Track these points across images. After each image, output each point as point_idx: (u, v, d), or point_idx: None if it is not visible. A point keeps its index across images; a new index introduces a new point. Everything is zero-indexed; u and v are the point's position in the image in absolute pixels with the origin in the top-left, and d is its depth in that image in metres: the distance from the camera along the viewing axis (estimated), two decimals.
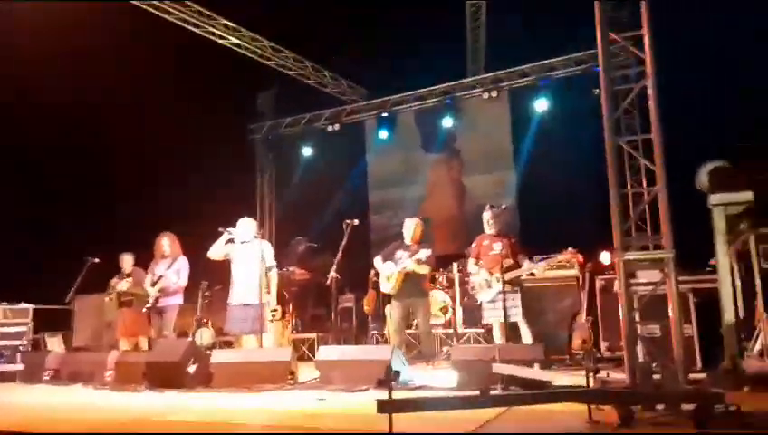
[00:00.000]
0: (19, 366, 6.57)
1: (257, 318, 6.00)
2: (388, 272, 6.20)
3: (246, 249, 6.21)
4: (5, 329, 7.45)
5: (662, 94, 4.12)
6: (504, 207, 6.25)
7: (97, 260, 7.31)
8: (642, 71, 4.30)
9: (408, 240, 6.32)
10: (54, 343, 7.94)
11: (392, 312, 6.31)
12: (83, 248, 7.41)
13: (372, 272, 6.29)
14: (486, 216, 6.06)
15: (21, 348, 7.34)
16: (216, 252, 6.24)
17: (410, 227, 6.35)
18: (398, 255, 6.23)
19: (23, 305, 7.72)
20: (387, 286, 6.22)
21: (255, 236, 6.32)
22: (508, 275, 5.66)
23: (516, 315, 5.72)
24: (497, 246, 5.92)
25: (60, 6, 7.13)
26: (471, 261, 6.14)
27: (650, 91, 3.80)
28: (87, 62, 7.91)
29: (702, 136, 6.40)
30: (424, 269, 6.13)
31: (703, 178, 3.79)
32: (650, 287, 4.22)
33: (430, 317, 6.26)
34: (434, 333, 6.66)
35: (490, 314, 5.89)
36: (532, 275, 6.00)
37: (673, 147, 4.18)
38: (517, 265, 5.80)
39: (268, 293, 6.19)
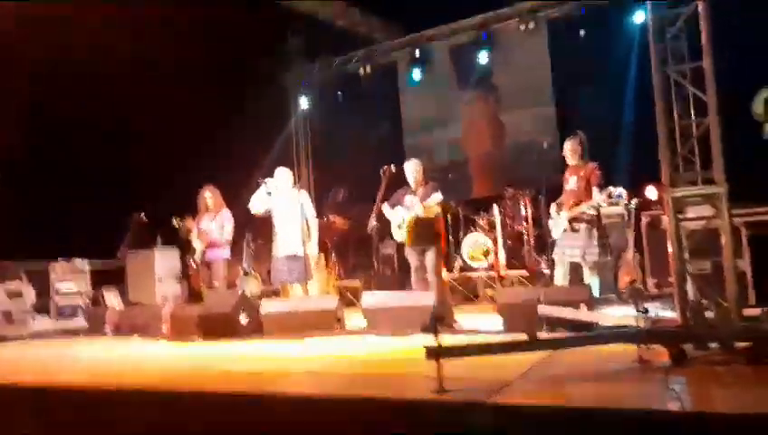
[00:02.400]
0: (82, 322, 6.91)
1: (302, 267, 6.11)
2: (399, 219, 5.92)
3: (286, 201, 6.22)
4: (65, 285, 7.78)
5: (712, 17, 3.86)
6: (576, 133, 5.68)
7: (143, 216, 7.51)
8: None
9: (412, 184, 5.98)
10: (111, 298, 8.29)
11: (410, 259, 5.98)
12: (128, 204, 7.60)
13: (372, 219, 5.98)
14: (566, 146, 5.62)
15: (81, 304, 7.69)
16: (257, 206, 6.24)
17: (412, 171, 5.99)
18: (408, 201, 5.90)
19: (79, 262, 8.00)
20: (399, 235, 5.96)
21: (293, 187, 6.34)
22: (569, 213, 5.40)
23: (575, 256, 5.41)
24: (572, 181, 5.52)
25: None
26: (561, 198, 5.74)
27: (702, 15, 3.55)
28: (118, 18, 7.87)
29: (756, 62, 5.99)
30: (434, 211, 5.81)
31: (758, 105, 3.56)
32: (700, 223, 4.09)
33: (440, 264, 5.85)
34: (445, 281, 6.19)
35: (554, 253, 5.67)
36: (592, 213, 5.47)
37: (724, 74, 3.94)
38: (586, 201, 5.37)
39: (309, 241, 6.26)
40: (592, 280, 5.35)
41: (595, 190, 5.34)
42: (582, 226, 5.41)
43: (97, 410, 3.41)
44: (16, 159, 7.79)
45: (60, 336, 7.00)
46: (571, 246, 5.43)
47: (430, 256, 5.77)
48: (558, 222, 5.55)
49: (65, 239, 7.87)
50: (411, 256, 5.91)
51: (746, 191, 4.52)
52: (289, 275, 6.19)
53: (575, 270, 5.57)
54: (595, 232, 5.42)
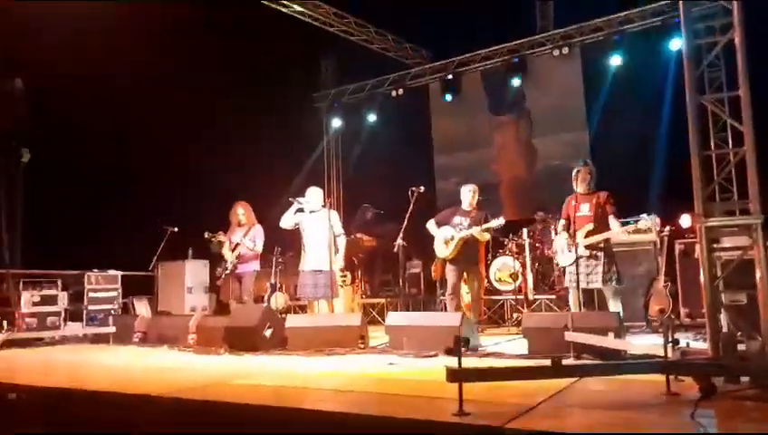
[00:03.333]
0: (111, 329, 7.05)
1: (328, 284, 6.18)
2: (447, 236, 6.33)
3: (316, 218, 6.41)
4: (98, 294, 8.00)
5: (750, 46, 3.80)
6: (586, 162, 5.74)
7: (176, 229, 7.70)
8: (728, 21, 3.97)
9: (466, 206, 6.47)
10: (142, 307, 8.46)
11: (448, 275, 6.42)
12: (161, 218, 7.80)
13: (400, 236, 6.29)
14: (575, 173, 5.62)
15: (112, 312, 7.87)
16: (286, 221, 6.46)
17: (468, 194, 6.50)
18: (457, 220, 6.37)
19: (112, 272, 8.23)
20: (444, 251, 6.37)
21: (323, 205, 6.47)
22: (587, 240, 5.38)
23: (595, 282, 5.39)
24: (585, 208, 5.51)
25: None
26: (561, 222, 5.76)
27: (738, 44, 3.51)
28: (163, 35, 8.13)
29: None
30: (485, 237, 6.36)
31: None
32: (735, 253, 3.99)
33: (483, 285, 6.49)
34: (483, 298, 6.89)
35: (568, 279, 5.64)
36: (607, 240, 5.60)
37: (763, 103, 3.87)
38: (601, 229, 5.40)
39: (337, 259, 6.34)
40: (616, 306, 5.28)
41: (612, 219, 5.39)
42: (601, 253, 5.40)
43: (116, 414, 3.47)
44: (60, 173, 8.09)
45: (89, 342, 7.15)
46: (590, 273, 5.39)
47: (477, 278, 6.44)
48: (570, 248, 5.46)
49: (102, 251, 8.12)
50: (452, 272, 6.36)
51: None
52: (315, 291, 6.27)
53: (591, 296, 5.54)
54: (614, 259, 5.45)
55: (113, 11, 7.31)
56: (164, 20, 7.84)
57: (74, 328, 7.53)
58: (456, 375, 2.86)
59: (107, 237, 8.17)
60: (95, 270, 8.08)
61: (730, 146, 3.90)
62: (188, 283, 8.65)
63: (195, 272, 8.76)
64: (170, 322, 6.92)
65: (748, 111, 3.45)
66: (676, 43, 8.12)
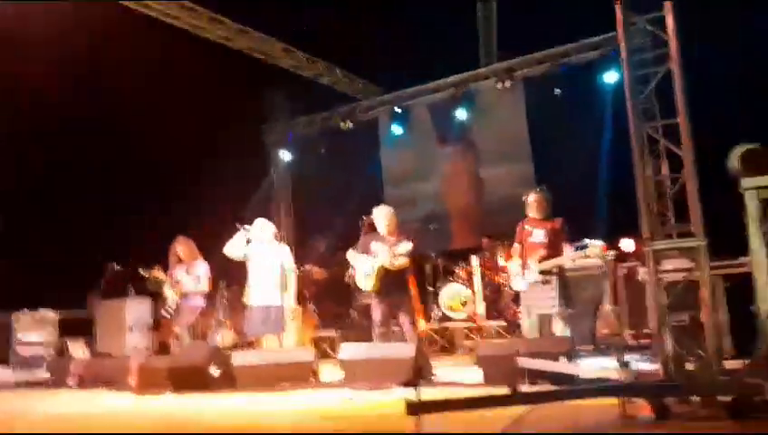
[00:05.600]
0: (45, 373, 6.62)
1: (277, 319, 6.00)
2: (366, 268, 5.65)
3: (265, 252, 6.18)
4: (30, 337, 7.49)
5: (685, 75, 4.01)
6: (540, 189, 5.70)
7: (118, 266, 7.34)
8: (662, 53, 4.18)
9: (382, 231, 5.73)
10: (77, 349, 7.97)
11: (374, 311, 5.69)
12: (99, 254, 7.46)
13: (351, 268, 5.78)
14: (529, 199, 5.59)
15: (46, 355, 7.39)
16: (233, 251, 6.16)
17: (382, 217, 5.75)
18: (374, 247, 5.64)
19: (46, 312, 7.75)
20: (365, 284, 5.68)
21: (274, 239, 6.30)
22: (541, 266, 5.37)
23: (547, 308, 5.38)
24: (539, 234, 5.50)
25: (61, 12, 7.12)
26: (515, 247, 5.71)
27: (676, 75, 3.69)
28: (99, 70, 7.93)
29: (730, 118, 6.21)
30: (401, 262, 5.58)
31: (734, 161, 3.66)
32: (677, 275, 4.12)
33: (415, 317, 5.72)
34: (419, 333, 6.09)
35: (522, 304, 5.63)
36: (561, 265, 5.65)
37: (696, 130, 4.06)
38: (554, 254, 5.39)
39: (287, 293, 6.18)
40: (564, 330, 5.31)
41: (566, 248, 5.41)
42: (554, 278, 5.40)
43: None
44: None
45: (20, 388, 6.67)
46: (543, 298, 5.39)
47: (406, 308, 5.65)
48: (524, 274, 5.50)
49: (33, 289, 7.64)
50: (378, 306, 5.65)
51: (723, 244, 4.59)
52: (263, 327, 6.06)
53: (543, 322, 5.52)
54: (567, 284, 5.46)
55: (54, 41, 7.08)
56: (110, 49, 7.66)
57: (4, 374, 7.01)
58: (415, 407, 2.78)
59: (40, 274, 7.71)
60: (25, 311, 7.59)
61: (669, 172, 4.05)
62: (129, 322, 8.21)
63: (136, 310, 8.32)
64: (109, 363, 6.56)
65: (687, 138, 3.61)
66: (612, 76, 8.50)
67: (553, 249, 5.41)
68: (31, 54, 7.25)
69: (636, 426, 2.97)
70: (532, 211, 5.59)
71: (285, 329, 6.22)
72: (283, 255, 6.21)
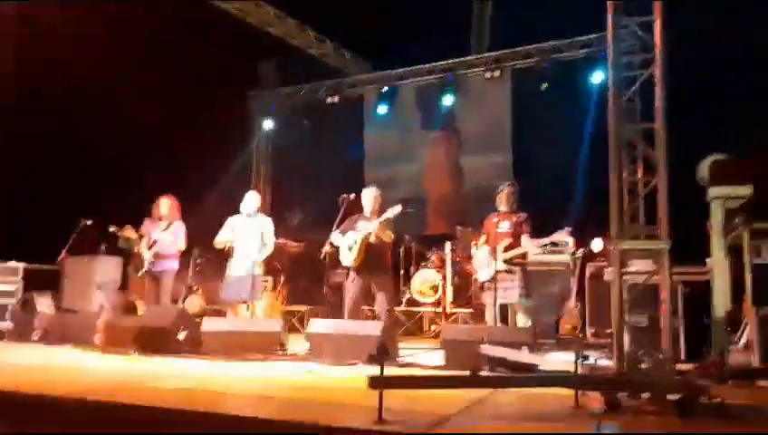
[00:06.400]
0: (8, 324, 6.55)
1: (254, 287, 6.11)
2: (349, 241, 5.74)
3: (249, 223, 6.38)
4: None
5: (668, 82, 4.10)
6: (511, 183, 5.95)
7: (90, 222, 7.22)
8: (647, 58, 4.26)
9: (367, 212, 5.88)
10: (43, 303, 7.90)
11: (349, 286, 5.78)
12: (76, 211, 7.34)
13: (327, 245, 5.78)
14: (500, 192, 5.82)
15: (10, 307, 7.31)
16: (221, 240, 6.41)
17: (369, 198, 5.89)
18: (360, 226, 5.76)
19: (13, 263, 7.66)
20: (347, 258, 5.74)
21: (258, 212, 6.45)
22: (505, 255, 5.57)
23: (512, 297, 5.58)
24: (504, 225, 5.72)
25: None
26: (482, 238, 5.93)
27: (658, 80, 3.78)
28: (82, 34, 7.75)
29: (703, 128, 6.36)
30: (387, 236, 5.69)
31: (703, 170, 3.78)
32: (641, 277, 4.25)
33: (391, 297, 5.83)
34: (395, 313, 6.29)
35: (486, 295, 5.79)
36: (524, 256, 5.79)
37: (673, 138, 4.17)
38: (518, 245, 5.61)
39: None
40: (526, 321, 5.50)
41: (525, 237, 5.63)
42: (518, 269, 5.62)
43: (14, 415, 3.22)
44: None
45: None
46: (506, 288, 5.56)
47: (385, 288, 5.74)
48: (490, 263, 5.66)
49: (3, 240, 7.52)
50: (356, 281, 5.73)
51: (686, 251, 4.75)
52: (239, 294, 6.16)
53: (505, 311, 5.70)
54: (528, 277, 5.67)
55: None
56: (96, 14, 7.49)
57: None
58: (378, 382, 2.86)
59: (10, 225, 7.59)
60: None
61: (642, 175, 4.16)
62: (98, 279, 8.15)
63: (106, 269, 8.25)
64: (75, 320, 6.52)
65: (663, 142, 3.71)
66: (599, 76, 8.60)
67: (517, 240, 5.63)
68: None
69: (587, 416, 3.10)
70: (501, 204, 5.81)
71: (259, 298, 6.32)
72: (265, 226, 6.37)
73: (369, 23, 9.46)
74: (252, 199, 6.48)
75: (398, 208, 5.61)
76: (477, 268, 5.95)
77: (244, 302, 6.20)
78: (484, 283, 5.84)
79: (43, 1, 7.11)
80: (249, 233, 6.31)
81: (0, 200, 7.67)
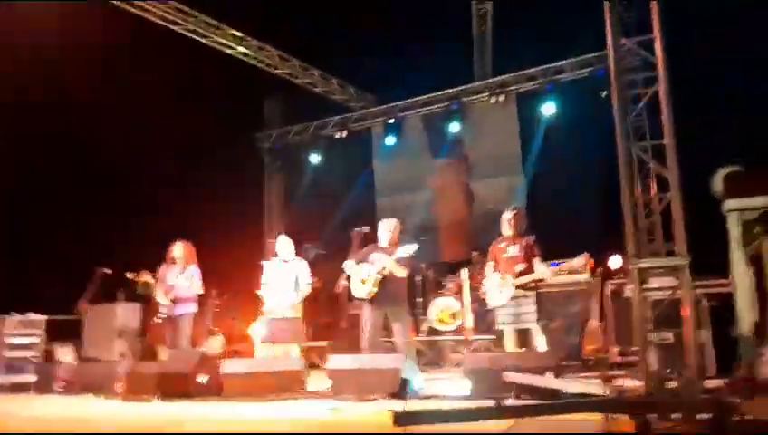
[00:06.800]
0: (31, 377, 6.58)
1: (297, 330, 6.38)
2: (364, 274, 5.64)
3: (284, 267, 6.60)
4: (17, 340, 7.44)
5: (674, 97, 4.09)
6: (515, 208, 5.92)
7: (108, 271, 7.32)
8: (651, 75, 4.27)
9: (384, 242, 5.78)
10: (65, 354, 7.93)
11: (366, 318, 5.68)
12: (92, 260, 7.43)
13: (343, 279, 5.90)
14: (505, 217, 5.77)
15: (33, 359, 7.34)
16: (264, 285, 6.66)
17: (387, 229, 5.81)
18: (374, 257, 5.66)
19: (34, 316, 7.72)
20: (361, 290, 5.65)
21: (294, 256, 6.69)
22: (519, 281, 5.53)
23: (528, 322, 5.51)
24: (512, 250, 5.66)
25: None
26: (489, 264, 5.88)
27: (663, 96, 3.78)
28: (91, 74, 7.95)
29: (716, 140, 6.32)
30: (402, 272, 5.60)
31: (717, 183, 3.73)
32: (663, 293, 4.19)
33: (410, 328, 5.76)
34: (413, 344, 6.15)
35: (501, 320, 5.69)
36: (541, 280, 5.77)
37: (685, 152, 4.14)
38: (531, 269, 5.55)
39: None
40: (543, 344, 5.42)
41: (538, 262, 5.57)
42: (532, 292, 5.55)
43: None
44: None
45: (6, 392, 6.63)
46: (523, 313, 5.50)
47: (402, 319, 5.66)
48: (501, 289, 5.61)
49: (22, 293, 7.61)
50: (372, 313, 5.65)
51: (707, 263, 4.67)
52: (284, 336, 6.31)
53: (521, 336, 5.61)
54: (545, 298, 5.71)
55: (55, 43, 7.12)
56: (104, 52, 7.69)
57: None
58: (402, 419, 2.82)
59: (29, 277, 7.68)
60: (14, 314, 7.55)
61: (656, 192, 4.13)
62: (118, 327, 8.18)
63: (125, 316, 8.29)
64: (97, 369, 6.52)
65: (673, 159, 3.69)
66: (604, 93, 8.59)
67: (529, 264, 5.56)
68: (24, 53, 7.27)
69: None
70: (506, 229, 5.76)
71: (303, 340, 6.62)
72: (300, 269, 6.59)
73: (371, 57, 9.60)
74: (284, 244, 6.70)
75: (413, 247, 5.53)
76: (488, 295, 5.85)
77: (289, 343, 6.30)
78: (495, 309, 5.76)
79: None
80: (285, 277, 6.52)
81: (15, 252, 7.76)
